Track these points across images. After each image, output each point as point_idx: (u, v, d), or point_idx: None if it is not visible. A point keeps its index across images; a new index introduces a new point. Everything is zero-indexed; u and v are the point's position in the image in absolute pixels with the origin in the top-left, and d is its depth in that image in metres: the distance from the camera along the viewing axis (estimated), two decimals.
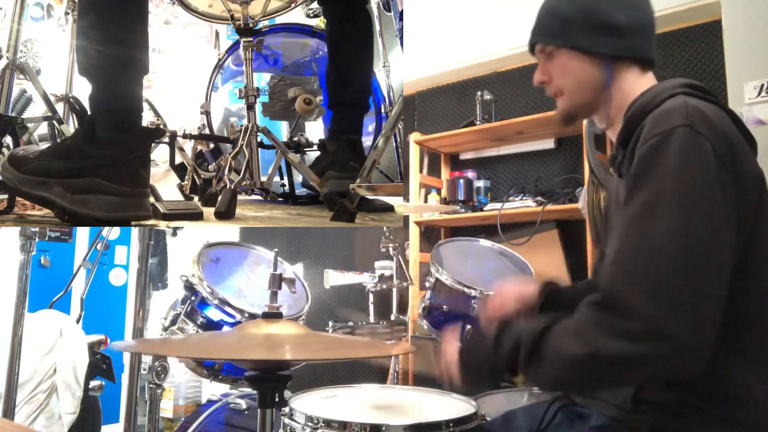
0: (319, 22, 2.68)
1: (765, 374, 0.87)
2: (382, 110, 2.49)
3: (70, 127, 2.00)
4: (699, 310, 0.79)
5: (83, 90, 1.51)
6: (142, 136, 1.45)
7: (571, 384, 0.92)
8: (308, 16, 2.72)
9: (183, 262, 2.04)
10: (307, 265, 3.44)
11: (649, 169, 0.86)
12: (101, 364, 2.29)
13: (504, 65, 2.99)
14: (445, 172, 3.14)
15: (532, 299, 1.21)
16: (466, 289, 1.72)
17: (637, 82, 1.07)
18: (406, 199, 2.92)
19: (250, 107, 1.97)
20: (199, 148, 2.41)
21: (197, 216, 1.69)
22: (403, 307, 2.44)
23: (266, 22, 2.37)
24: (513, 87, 2.98)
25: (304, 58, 2.53)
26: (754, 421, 0.86)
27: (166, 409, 3.15)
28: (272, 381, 0.92)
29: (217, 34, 2.79)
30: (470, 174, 2.90)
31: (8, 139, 1.73)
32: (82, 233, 3.24)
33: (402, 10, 2.43)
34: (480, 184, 2.85)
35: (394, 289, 2.20)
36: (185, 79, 2.86)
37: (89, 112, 1.46)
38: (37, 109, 2.45)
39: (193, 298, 1.71)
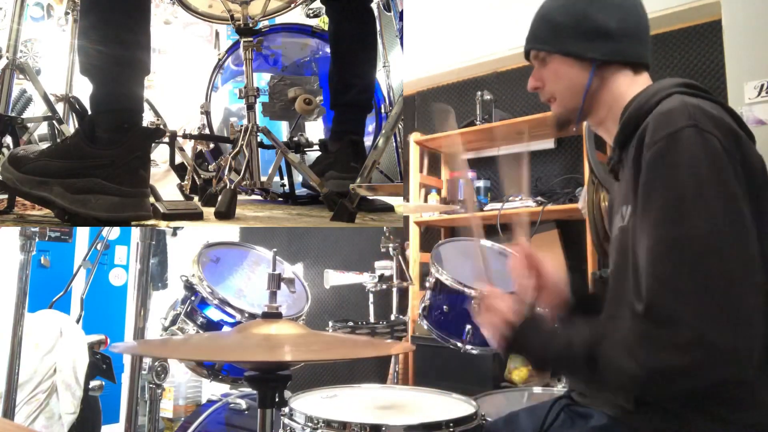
0: (320, 22, 2.68)
1: (766, 375, 0.87)
2: (382, 110, 2.49)
3: (70, 127, 2.00)
4: (741, 308, 0.79)
5: (83, 90, 1.51)
6: (143, 136, 1.45)
7: (635, 395, 0.92)
8: (308, 16, 2.72)
9: (183, 262, 2.04)
10: (307, 265, 3.44)
11: (661, 174, 0.86)
12: (101, 364, 2.29)
13: (504, 65, 2.99)
14: (445, 172, 3.14)
15: (557, 284, 1.22)
16: (466, 289, 1.72)
17: (630, 85, 1.07)
18: (406, 199, 2.92)
19: (250, 107, 1.97)
20: (199, 148, 2.41)
21: (197, 216, 1.69)
22: (403, 307, 2.44)
23: (266, 22, 2.37)
24: (513, 87, 2.98)
25: (304, 58, 2.53)
26: (756, 421, 0.86)
27: (166, 409, 3.15)
28: (272, 381, 0.92)
29: (217, 34, 2.79)
30: (470, 174, 2.90)
31: (8, 139, 1.73)
32: (82, 233, 3.24)
33: (402, 10, 2.43)
34: (480, 184, 2.85)
35: (394, 289, 2.20)
36: (185, 79, 2.86)
37: (90, 112, 1.46)
38: (37, 109, 2.45)
39: (193, 298, 1.71)
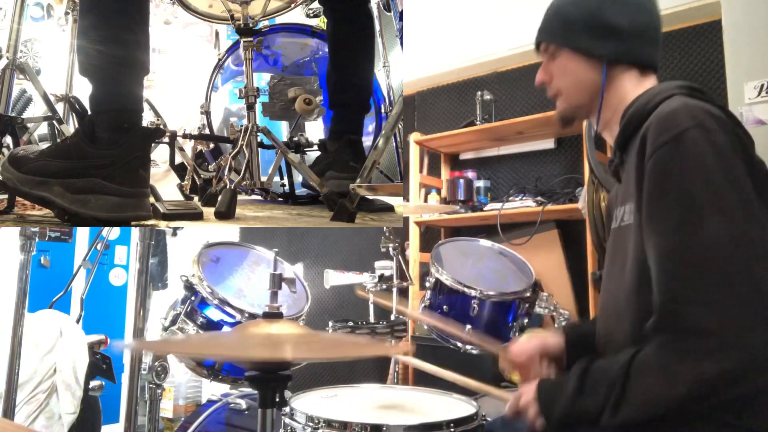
0: (319, 22, 2.68)
1: None
2: (382, 110, 2.49)
3: (70, 127, 2.00)
4: (765, 309, 0.78)
5: (83, 90, 1.51)
6: (142, 137, 1.45)
7: (668, 417, 0.86)
8: (308, 16, 2.72)
9: (183, 262, 2.04)
10: (307, 265, 3.44)
11: (669, 177, 0.86)
12: (101, 364, 2.29)
13: (504, 65, 2.99)
14: (445, 172, 3.14)
15: (556, 348, 1.20)
16: (466, 289, 1.72)
17: (635, 86, 1.06)
18: (406, 199, 2.92)
19: (250, 107, 1.97)
20: (199, 148, 2.41)
21: (197, 216, 1.69)
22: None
23: (266, 22, 2.37)
24: (513, 87, 2.98)
25: (304, 58, 2.53)
26: (758, 424, 0.86)
27: (166, 409, 3.15)
28: (273, 381, 0.92)
29: (217, 34, 2.79)
30: (470, 174, 2.90)
31: (8, 139, 1.73)
32: (82, 233, 3.24)
33: (402, 10, 2.43)
34: (480, 184, 2.85)
35: (394, 289, 2.20)
36: (185, 79, 2.86)
37: (89, 112, 1.46)
38: (37, 109, 2.45)
39: (193, 298, 1.70)
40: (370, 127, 2.49)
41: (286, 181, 2.19)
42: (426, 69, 3.20)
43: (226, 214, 1.72)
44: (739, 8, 1.85)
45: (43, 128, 2.00)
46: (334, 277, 2.36)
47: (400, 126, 2.25)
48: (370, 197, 1.89)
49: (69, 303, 3.04)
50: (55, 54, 2.49)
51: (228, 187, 1.79)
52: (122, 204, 1.39)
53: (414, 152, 2.96)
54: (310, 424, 1.13)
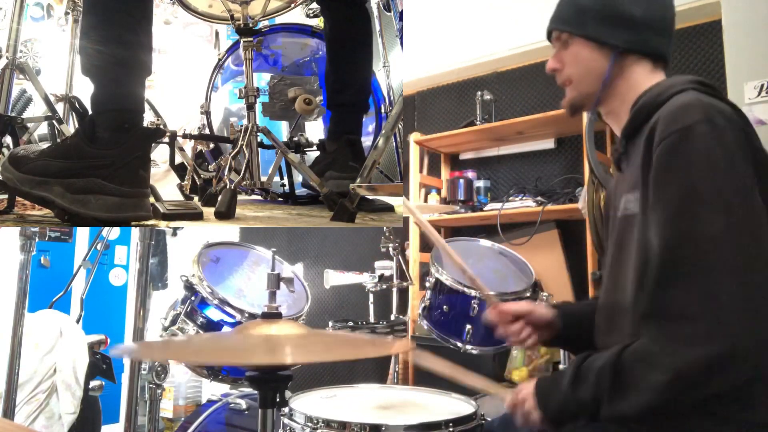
0: (319, 22, 2.68)
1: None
2: (382, 110, 2.49)
3: (70, 127, 2.00)
4: (757, 301, 0.79)
5: (83, 90, 1.51)
6: (143, 137, 1.45)
7: (667, 406, 0.85)
8: (308, 16, 2.72)
9: (183, 262, 2.04)
10: (307, 265, 3.44)
11: (673, 167, 0.86)
12: (101, 364, 2.29)
13: (504, 65, 2.99)
14: (445, 172, 3.14)
15: (542, 318, 1.22)
16: (466, 289, 1.72)
17: (646, 78, 1.07)
18: (406, 199, 2.92)
19: (250, 107, 1.97)
20: (199, 148, 2.41)
21: (197, 216, 1.69)
22: (403, 307, 2.44)
23: (266, 22, 2.37)
24: (513, 87, 2.97)
25: (304, 58, 2.53)
26: (756, 420, 0.86)
27: (166, 409, 3.15)
28: (273, 381, 0.92)
29: (217, 34, 2.79)
30: (470, 174, 2.90)
31: (8, 139, 1.73)
32: (82, 233, 3.24)
33: (402, 10, 2.43)
34: (480, 184, 2.85)
35: (394, 289, 2.20)
36: (185, 79, 2.86)
37: (91, 112, 1.46)
38: (37, 109, 2.45)
39: (193, 298, 1.71)
40: (370, 127, 2.49)
41: (286, 181, 2.19)
42: (426, 69, 3.20)
43: (226, 214, 1.72)
44: (739, 8, 1.85)
45: (43, 128, 2.00)
46: (334, 277, 2.36)
47: (400, 126, 2.26)
48: (370, 197, 1.89)
49: (69, 303, 3.04)
50: (55, 54, 2.49)
51: (228, 187, 1.79)
52: (122, 204, 1.39)
53: (414, 152, 2.96)
54: (309, 424, 1.13)
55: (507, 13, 2.87)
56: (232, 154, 1.94)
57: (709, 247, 0.81)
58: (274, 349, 0.92)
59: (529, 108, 2.87)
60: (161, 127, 2.22)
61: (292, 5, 2.21)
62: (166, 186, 2.22)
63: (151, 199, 1.52)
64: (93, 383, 2.17)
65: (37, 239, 1.62)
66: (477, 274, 1.36)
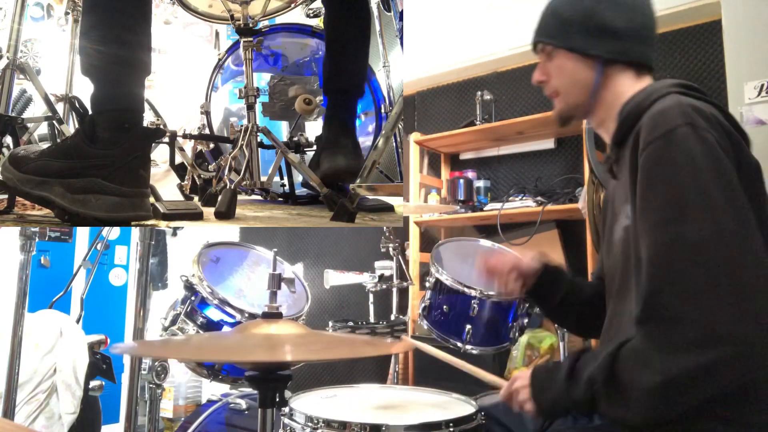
0: (319, 22, 2.67)
1: None
2: (382, 110, 2.49)
3: (70, 127, 2.00)
4: (748, 303, 0.79)
5: (84, 90, 1.51)
6: (143, 137, 1.45)
7: (661, 412, 0.84)
8: (308, 16, 2.71)
9: (183, 262, 2.04)
10: (307, 265, 3.44)
11: (658, 172, 0.87)
12: (101, 364, 2.29)
13: (504, 65, 2.99)
14: (445, 172, 3.14)
15: (528, 269, 1.30)
16: (466, 289, 1.72)
17: (631, 86, 1.08)
18: (406, 199, 2.92)
19: (250, 107, 1.97)
20: (199, 148, 2.41)
21: (197, 216, 1.69)
22: (403, 307, 2.44)
23: (266, 22, 2.37)
24: (513, 87, 2.98)
25: (304, 58, 2.53)
26: (758, 420, 0.86)
27: (166, 409, 3.15)
28: (272, 381, 0.92)
29: (217, 34, 2.79)
30: (470, 174, 2.90)
31: (8, 139, 1.73)
32: (82, 233, 3.24)
33: (402, 10, 2.43)
34: (480, 184, 2.85)
35: (394, 289, 2.20)
36: (185, 79, 2.86)
37: (91, 112, 1.46)
38: (37, 109, 2.44)
39: (193, 298, 1.71)
40: (370, 127, 2.49)
41: (286, 181, 2.19)
42: (426, 69, 3.20)
43: (226, 214, 1.72)
44: (739, 8, 1.85)
45: (43, 128, 2.00)
46: (334, 277, 2.36)
47: (400, 126, 2.25)
48: (370, 197, 1.89)
49: (69, 303, 3.04)
50: (55, 54, 2.49)
51: (228, 187, 1.79)
52: (122, 204, 1.39)
53: (414, 152, 2.96)
54: (310, 424, 1.13)
55: (507, 13, 2.87)
56: (232, 154, 1.94)
57: (697, 250, 0.82)
58: (274, 347, 0.92)
59: (529, 108, 2.87)
60: (161, 127, 2.22)
61: (292, 5, 2.21)
62: (166, 186, 2.21)
63: (151, 199, 1.52)
64: (93, 383, 2.17)
65: (37, 239, 1.62)
66: (477, 274, 1.38)
